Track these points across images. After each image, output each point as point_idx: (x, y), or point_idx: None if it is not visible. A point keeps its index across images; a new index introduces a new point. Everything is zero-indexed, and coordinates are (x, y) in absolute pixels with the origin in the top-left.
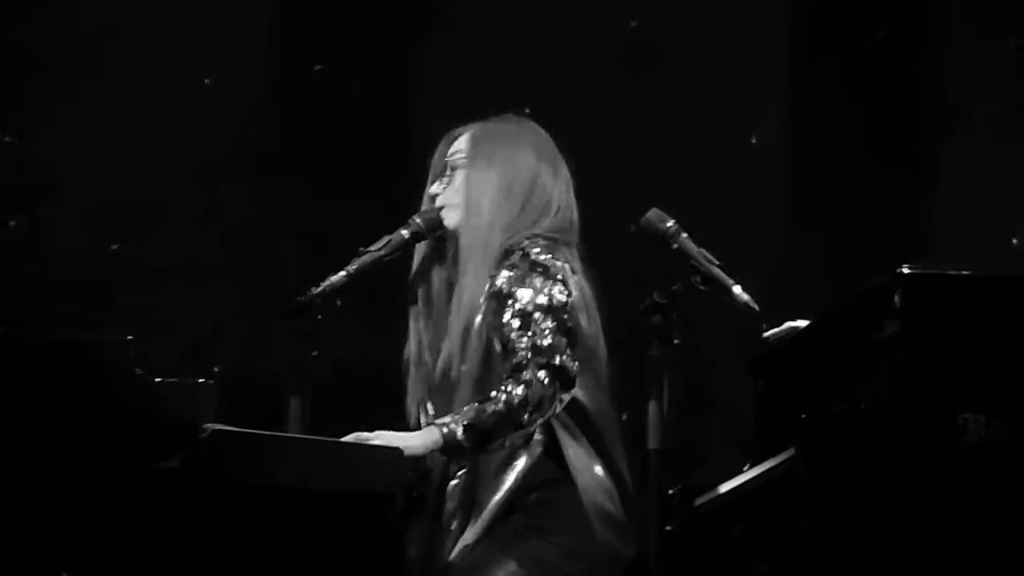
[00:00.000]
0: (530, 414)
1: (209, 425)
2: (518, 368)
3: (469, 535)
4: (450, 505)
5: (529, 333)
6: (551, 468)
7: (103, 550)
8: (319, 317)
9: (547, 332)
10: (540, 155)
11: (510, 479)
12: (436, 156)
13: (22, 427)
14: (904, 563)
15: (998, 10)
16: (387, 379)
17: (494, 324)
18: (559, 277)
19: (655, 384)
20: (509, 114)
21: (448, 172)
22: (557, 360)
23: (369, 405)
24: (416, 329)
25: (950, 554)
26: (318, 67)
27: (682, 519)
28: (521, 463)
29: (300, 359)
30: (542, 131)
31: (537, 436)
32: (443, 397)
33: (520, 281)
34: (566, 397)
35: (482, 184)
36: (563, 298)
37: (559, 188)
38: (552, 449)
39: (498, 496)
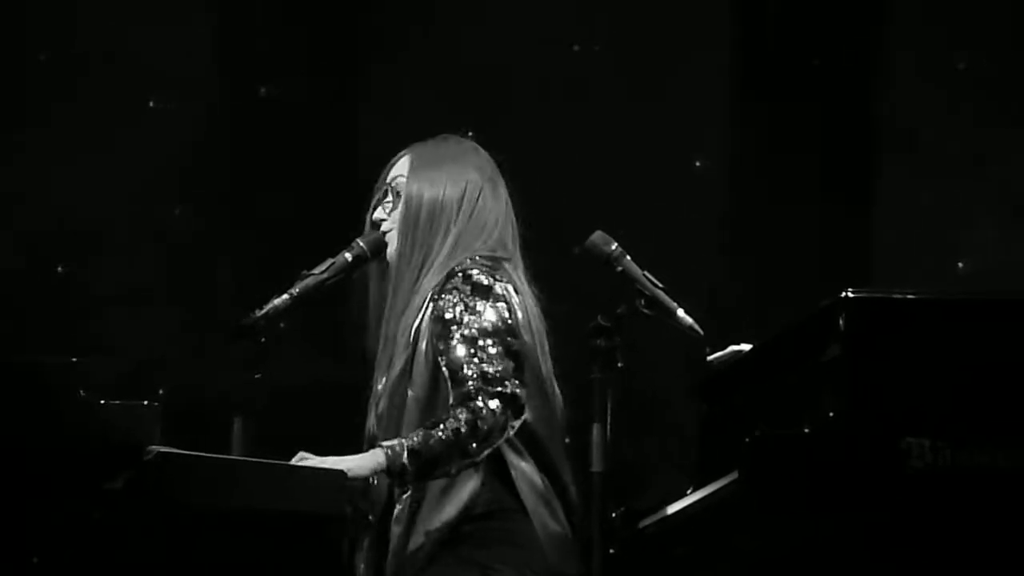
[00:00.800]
0: (479, 443)
1: (154, 447)
2: (468, 397)
3: (413, 560)
4: (396, 529)
5: (476, 360)
6: (499, 491)
7: (45, 574)
8: (263, 339)
9: (494, 358)
10: (481, 174)
11: (456, 502)
12: (379, 181)
13: None
14: None
15: (941, 34)
16: (330, 400)
17: (440, 349)
18: (502, 298)
19: (599, 407)
20: (448, 135)
21: (391, 197)
22: (508, 388)
23: (312, 426)
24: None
25: None
26: (263, 90)
27: (626, 542)
28: (467, 486)
29: (243, 381)
30: (482, 151)
31: None
32: (390, 422)
33: (463, 304)
34: (517, 424)
35: (422, 205)
36: (507, 320)
37: (499, 207)
38: (498, 467)
39: (443, 520)
